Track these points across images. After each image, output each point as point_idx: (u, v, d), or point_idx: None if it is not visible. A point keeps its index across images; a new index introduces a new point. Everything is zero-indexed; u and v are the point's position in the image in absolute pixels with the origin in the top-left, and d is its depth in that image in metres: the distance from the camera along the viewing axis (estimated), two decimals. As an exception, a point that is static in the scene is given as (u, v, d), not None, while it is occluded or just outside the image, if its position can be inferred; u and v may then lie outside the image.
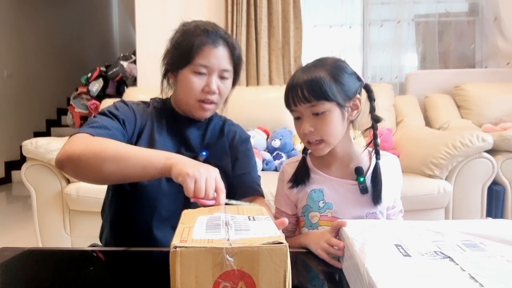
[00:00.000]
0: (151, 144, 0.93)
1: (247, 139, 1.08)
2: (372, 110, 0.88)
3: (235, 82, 1.02)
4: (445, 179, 1.86)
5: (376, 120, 0.88)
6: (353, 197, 0.87)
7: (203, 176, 0.67)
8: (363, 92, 0.89)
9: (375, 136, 0.89)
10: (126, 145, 0.80)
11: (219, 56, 0.93)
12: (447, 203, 1.86)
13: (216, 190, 0.68)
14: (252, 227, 0.51)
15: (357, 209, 0.88)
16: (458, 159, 1.82)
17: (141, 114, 0.97)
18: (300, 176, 0.91)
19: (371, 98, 0.89)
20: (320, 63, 0.85)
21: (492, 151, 1.87)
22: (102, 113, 0.91)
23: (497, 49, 3.00)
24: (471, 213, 1.87)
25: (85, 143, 0.78)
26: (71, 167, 0.79)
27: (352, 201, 0.88)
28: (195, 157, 0.95)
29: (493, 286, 0.45)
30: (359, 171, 0.87)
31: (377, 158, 0.88)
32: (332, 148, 0.88)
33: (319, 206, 0.89)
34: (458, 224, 0.68)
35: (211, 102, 0.95)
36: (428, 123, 2.62)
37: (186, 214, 0.58)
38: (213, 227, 0.51)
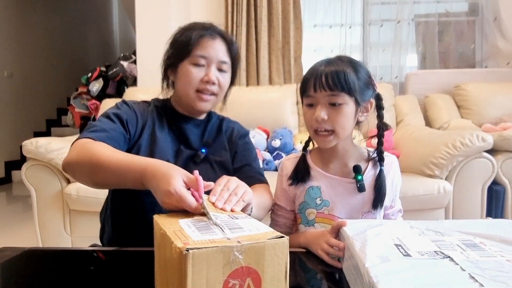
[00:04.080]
0: (152, 142, 0.94)
1: (245, 133, 1.10)
2: (381, 118, 0.90)
3: (233, 79, 1.03)
4: (445, 179, 1.86)
5: (384, 128, 0.90)
6: (350, 195, 0.88)
7: (172, 201, 0.63)
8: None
9: (380, 143, 0.90)
10: (113, 153, 0.79)
11: (217, 48, 0.96)
12: (447, 203, 1.86)
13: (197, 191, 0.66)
14: (242, 225, 0.52)
15: (354, 207, 0.89)
16: (458, 159, 1.82)
17: (142, 113, 0.98)
18: (300, 174, 0.92)
19: (380, 107, 0.90)
20: (345, 59, 0.87)
21: (492, 151, 1.87)
22: (105, 115, 0.92)
23: (497, 49, 3.01)
24: (471, 213, 1.87)
25: (81, 150, 0.81)
26: (71, 174, 0.85)
27: (349, 199, 0.88)
28: (194, 154, 0.97)
29: (493, 286, 0.45)
30: (357, 169, 0.88)
31: (381, 165, 0.89)
32: (334, 146, 0.89)
33: (316, 203, 0.90)
34: (458, 224, 0.68)
35: (211, 93, 0.96)
36: (428, 123, 2.62)
37: (161, 218, 0.56)
38: (205, 228, 0.51)
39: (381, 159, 0.89)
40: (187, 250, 0.41)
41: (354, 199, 0.88)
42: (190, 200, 0.61)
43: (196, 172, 0.67)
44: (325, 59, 0.88)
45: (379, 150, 0.90)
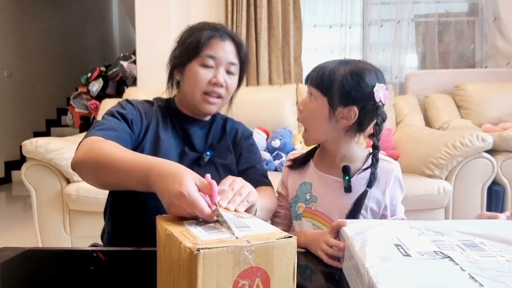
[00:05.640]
0: (156, 143, 0.93)
1: (249, 135, 1.09)
2: (374, 135, 0.83)
3: (240, 82, 1.03)
4: (445, 179, 1.86)
5: (375, 146, 0.84)
6: (337, 194, 0.89)
7: (183, 205, 0.56)
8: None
9: (373, 162, 0.84)
10: (120, 152, 0.75)
11: (227, 50, 0.95)
12: (447, 203, 1.86)
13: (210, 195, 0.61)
14: (249, 224, 0.51)
15: (339, 206, 0.88)
16: (458, 159, 1.82)
17: (146, 113, 0.96)
18: (299, 160, 0.97)
19: (376, 123, 0.83)
20: (349, 61, 0.86)
21: (492, 151, 1.87)
22: (110, 114, 0.90)
23: (497, 49, 3.01)
24: (471, 213, 1.87)
25: (89, 148, 0.77)
26: (78, 173, 0.80)
27: (336, 198, 0.89)
28: (199, 157, 0.96)
29: (493, 286, 0.45)
30: (346, 170, 0.88)
31: (369, 186, 0.83)
32: (323, 146, 0.92)
33: (306, 198, 0.92)
34: (458, 224, 0.68)
35: (218, 96, 0.95)
36: (428, 123, 2.62)
37: (164, 219, 0.55)
38: (211, 228, 0.50)
39: (373, 179, 0.84)
40: (198, 250, 0.41)
41: (340, 199, 0.88)
42: (203, 205, 0.54)
43: (209, 176, 0.61)
44: (341, 59, 0.88)
45: (372, 170, 0.84)
